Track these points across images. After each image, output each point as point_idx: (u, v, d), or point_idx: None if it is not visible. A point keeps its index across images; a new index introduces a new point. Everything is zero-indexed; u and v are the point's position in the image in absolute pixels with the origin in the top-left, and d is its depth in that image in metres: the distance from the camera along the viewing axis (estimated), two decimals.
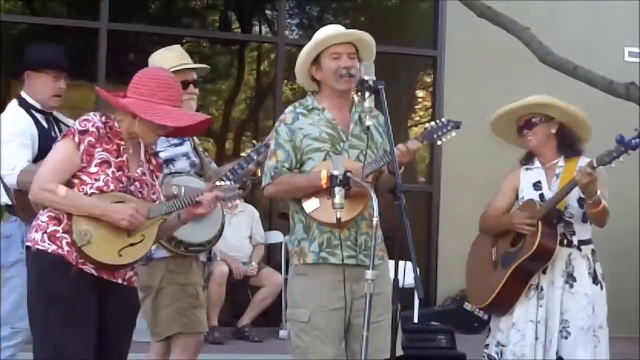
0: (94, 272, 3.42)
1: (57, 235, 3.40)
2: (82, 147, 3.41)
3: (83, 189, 3.42)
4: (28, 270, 3.49)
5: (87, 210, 3.39)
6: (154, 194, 3.62)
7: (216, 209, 4.14)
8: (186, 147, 4.35)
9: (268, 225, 8.22)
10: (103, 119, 3.49)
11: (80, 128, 3.43)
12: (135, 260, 3.54)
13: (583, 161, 4.37)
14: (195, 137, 4.49)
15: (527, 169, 4.51)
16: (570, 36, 8.38)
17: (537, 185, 4.43)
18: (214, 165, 4.62)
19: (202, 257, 4.39)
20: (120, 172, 3.47)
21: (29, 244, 3.45)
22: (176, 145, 4.32)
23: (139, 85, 3.50)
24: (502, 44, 7.42)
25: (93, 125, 3.44)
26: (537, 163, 4.49)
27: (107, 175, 3.44)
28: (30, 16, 9.44)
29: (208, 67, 4.69)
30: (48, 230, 3.40)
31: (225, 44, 10.32)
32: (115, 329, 3.53)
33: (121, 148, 3.49)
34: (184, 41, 9.91)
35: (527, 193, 4.44)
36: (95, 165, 3.43)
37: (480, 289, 4.53)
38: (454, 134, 4.00)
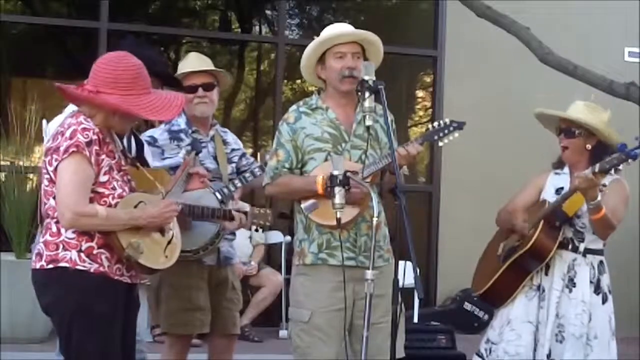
0: (129, 280, 3.37)
1: (94, 251, 3.26)
2: (92, 159, 3.27)
3: (105, 201, 3.29)
4: (62, 291, 3.29)
5: (131, 224, 3.30)
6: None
7: (208, 224, 4.24)
8: (200, 154, 4.36)
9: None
10: (92, 121, 3.33)
11: (85, 140, 3.25)
12: (177, 256, 3.49)
13: (610, 177, 4.24)
14: (221, 141, 4.51)
15: (556, 173, 4.51)
16: (570, 36, 8.38)
17: (559, 191, 4.42)
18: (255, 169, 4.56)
19: (210, 261, 4.40)
20: (121, 172, 3.39)
21: (64, 264, 3.25)
22: (188, 152, 4.35)
23: (116, 78, 3.32)
24: (502, 44, 7.41)
25: (94, 133, 3.28)
26: (566, 169, 4.48)
27: (117, 180, 3.34)
28: (30, 16, 9.45)
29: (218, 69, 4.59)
30: (83, 248, 3.26)
31: (225, 44, 10.32)
32: (132, 326, 3.51)
33: (110, 147, 3.37)
34: (184, 41, 9.94)
35: (548, 197, 4.43)
36: (105, 174, 3.30)
37: (481, 277, 4.59)
38: (456, 134, 3.98)
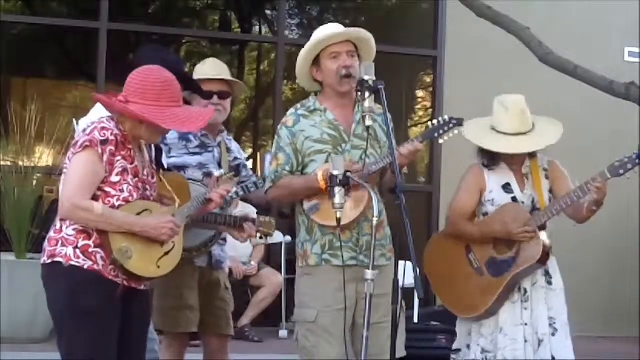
0: (125, 282, 3.37)
1: (90, 250, 3.29)
2: (105, 157, 3.30)
3: (109, 201, 3.32)
4: (56, 286, 3.35)
5: (125, 228, 3.31)
6: (154, 192, 3.57)
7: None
8: (205, 157, 4.37)
9: None
10: (115, 124, 3.39)
11: (101, 138, 3.30)
12: (172, 269, 3.50)
13: (542, 159, 4.38)
14: (226, 149, 4.52)
15: (490, 170, 4.42)
16: (570, 36, 8.38)
17: (507, 188, 4.38)
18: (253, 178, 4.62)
19: (201, 262, 4.42)
20: (136, 179, 3.41)
21: (59, 259, 3.29)
22: (194, 154, 4.37)
23: (144, 89, 3.38)
24: (502, 44, 7.42)
25: (112, 134, 3.33)
26: (502, 165, 4.41)
27: (129, 184, 3.36)
28: (30, 16, 9.46)
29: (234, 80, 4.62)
30: (79, 245, 3.29)
31: (225, 44, 10.34)
32: (137, 331, 3.51)
33: (132, 152, 3.41)
34: (184, 41, 9.95)
35: (498, 195, 4.37)
36: (117, 175, 3.34)
37: (468, 298, 4.40)
38: (456, 131, 3.97)
